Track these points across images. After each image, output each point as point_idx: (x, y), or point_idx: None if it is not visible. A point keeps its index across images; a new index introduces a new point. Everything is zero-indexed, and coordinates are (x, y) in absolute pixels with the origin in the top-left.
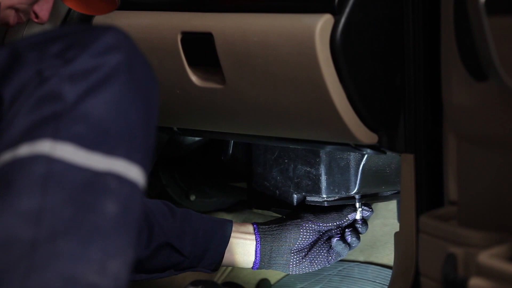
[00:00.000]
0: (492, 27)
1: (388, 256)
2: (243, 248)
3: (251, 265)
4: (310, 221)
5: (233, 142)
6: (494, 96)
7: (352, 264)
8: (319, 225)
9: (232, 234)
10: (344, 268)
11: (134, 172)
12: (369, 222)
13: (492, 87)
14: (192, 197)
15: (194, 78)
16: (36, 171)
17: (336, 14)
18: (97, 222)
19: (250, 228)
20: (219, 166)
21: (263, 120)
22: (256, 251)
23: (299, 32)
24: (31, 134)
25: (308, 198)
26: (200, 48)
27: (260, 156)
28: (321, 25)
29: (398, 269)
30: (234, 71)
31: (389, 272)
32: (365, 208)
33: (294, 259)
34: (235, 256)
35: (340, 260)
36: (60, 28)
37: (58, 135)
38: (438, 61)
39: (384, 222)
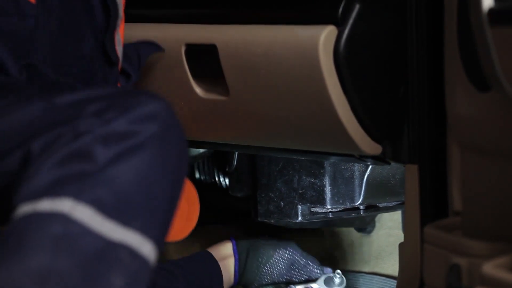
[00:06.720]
0: (495, 38)
1: (393, 266)
2: (227, 271)
3: (232, 281)
4: (288, 247)
5: (238, 153)
6: (497, 107)
7: (357, 274)
8: (295, 256)
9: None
10: (349, 279)
11: (147, 248)
12: (374, 233)
13: (495, 98)
14: None
15: (198, 89)
16: (52, 230)
17: (340, 25)
18: None
19: (229, 248)
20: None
21: (268, 131)
22: (235, 269)
23: (303, 44)
24: (55, 190)
25: (313, 209)
26: (204, 60)
27: (265, 167)
28: (324, 37)
29: (402, 279)
30: (238, 82)
31: (394, 283)
32: (337, 276)
33: (262, 280)
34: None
35: (346, 271)
36: (102, 88)
37: (80, 196)
38: (441, 72)
39: (389, 232)
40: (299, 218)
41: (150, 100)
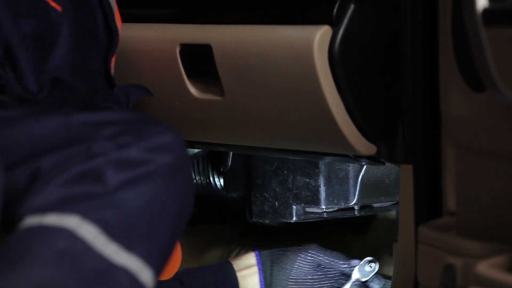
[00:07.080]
0: (490, 38)
1: (387, 267)
2: (249, 281)
3: None
4: (309, 250)
5: (232, 153)
6: (492, 107)
7: None
8: (319, 257)
9: (238, 275)
10: None
11: (146, 275)
12: (368, 233)
13: (490, 98)
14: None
15: (193, 90)
16: (57, 244)
17: (334, 25)
18: None
19: (252, 259)
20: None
21: (262, 132)
22: (260, 280)
23: (298, 44)
24: (63, 206)
25: (307, 209)
26: (199, 60)
27: (259, 167)
28: (319, 37)
29: (397, 280)
30: (233, 82)
31: (388, 283)
32: (367, 263)
33: None
34: None
35: None
36: (118, 112)
37: (87, 215)
38: (436, 72)
39: (383, 233)
40: (294, 218)
41: (164, 131)
